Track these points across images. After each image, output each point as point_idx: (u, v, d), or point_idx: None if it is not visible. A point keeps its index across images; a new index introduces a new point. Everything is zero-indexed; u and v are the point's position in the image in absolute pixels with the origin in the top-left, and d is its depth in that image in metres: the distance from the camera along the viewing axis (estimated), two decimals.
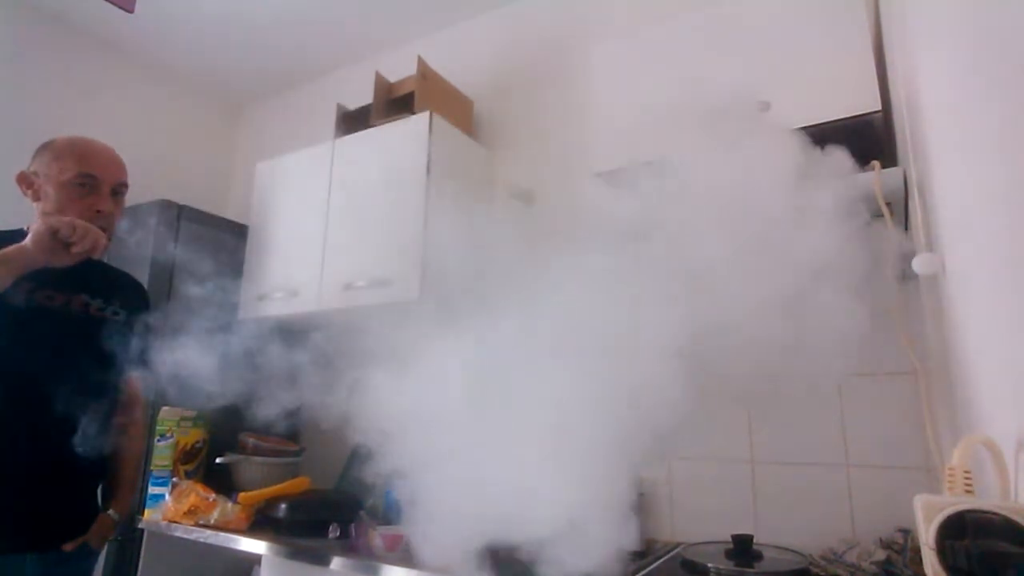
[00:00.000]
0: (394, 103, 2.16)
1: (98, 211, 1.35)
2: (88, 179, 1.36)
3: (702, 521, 1.58)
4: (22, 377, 1.27)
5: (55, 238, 1.20)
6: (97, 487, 1.46)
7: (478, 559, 1.07)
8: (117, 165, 1.43)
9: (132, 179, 1.48)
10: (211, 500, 1.70)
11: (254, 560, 1.64)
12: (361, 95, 2.25)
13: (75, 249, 1.21)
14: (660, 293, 0.95)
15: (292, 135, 2.78)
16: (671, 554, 1.42)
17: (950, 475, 0.58)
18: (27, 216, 1.40)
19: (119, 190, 1.42)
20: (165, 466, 1.81)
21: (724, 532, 1.34)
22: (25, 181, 1.39)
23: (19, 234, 1.38)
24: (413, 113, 2.01)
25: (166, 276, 2.08)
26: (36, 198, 1.38)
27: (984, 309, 0.70)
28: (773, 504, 1.52)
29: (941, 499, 0.56)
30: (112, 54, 2.67)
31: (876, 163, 1.13)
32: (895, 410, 1.41)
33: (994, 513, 0.52)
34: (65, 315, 1.36)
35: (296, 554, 1.48)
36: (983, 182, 0.64)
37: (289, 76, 2.91)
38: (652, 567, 1.30)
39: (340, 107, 2.30)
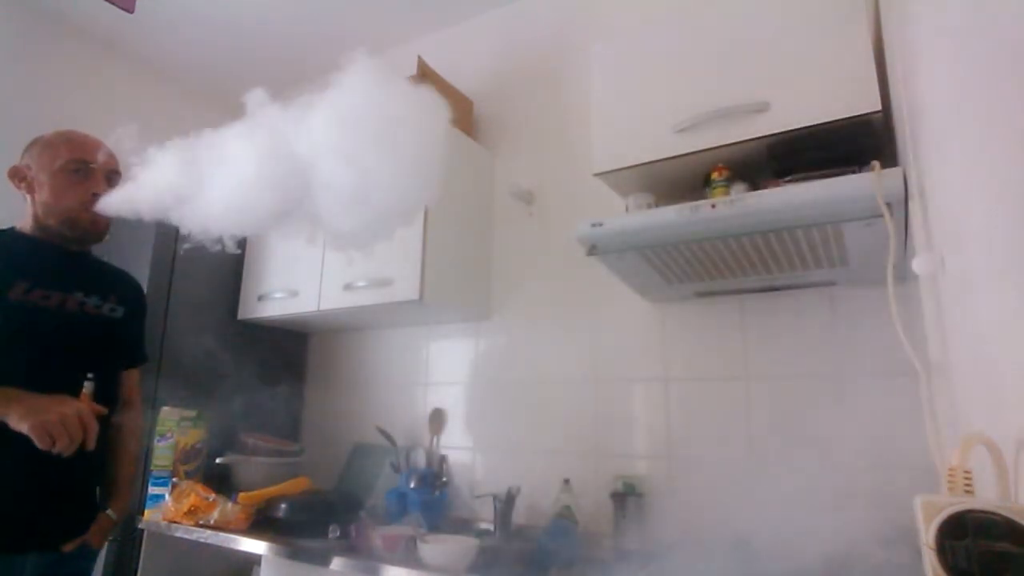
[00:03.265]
0: None
1: (94, 194, 1.34)
2: (81, 164, 1.36)
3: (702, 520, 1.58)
4: (18, 378, 1.27)
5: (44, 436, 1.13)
6: (96, 487, 1.46)
7: None
8: (108, 153, 1.41)
9: None
10: (211, 500, 1.70)
11: (254, 560, 1.64)
12: None
13: (57, 450, 1.14)
14: None
15: None
16: None
17: (950, 475, 0.58)
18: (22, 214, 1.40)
19: (112, 177, 1.41)
20: (165, 466, 1.81)
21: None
22: (18, 175, 1.38)
23: (9, 233, 1.37)
24: None
25: (166, 276, 2.07)
26: (30, 190, 1.37)
27: (984, 309, 0.70)
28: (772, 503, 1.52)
29: (941, 499, 0.56)
30: (112, 54, 2.67)
31: (876, 163, 1.13)
32: (895, 410, 1.41)
33: (994, 513, 0.52)
34: (61, 315, 1.35)
35: (296, 554, 1.48)
36: (983, 182, 0.64)
37: (289, 76, 2.90)
38: None
39: None
